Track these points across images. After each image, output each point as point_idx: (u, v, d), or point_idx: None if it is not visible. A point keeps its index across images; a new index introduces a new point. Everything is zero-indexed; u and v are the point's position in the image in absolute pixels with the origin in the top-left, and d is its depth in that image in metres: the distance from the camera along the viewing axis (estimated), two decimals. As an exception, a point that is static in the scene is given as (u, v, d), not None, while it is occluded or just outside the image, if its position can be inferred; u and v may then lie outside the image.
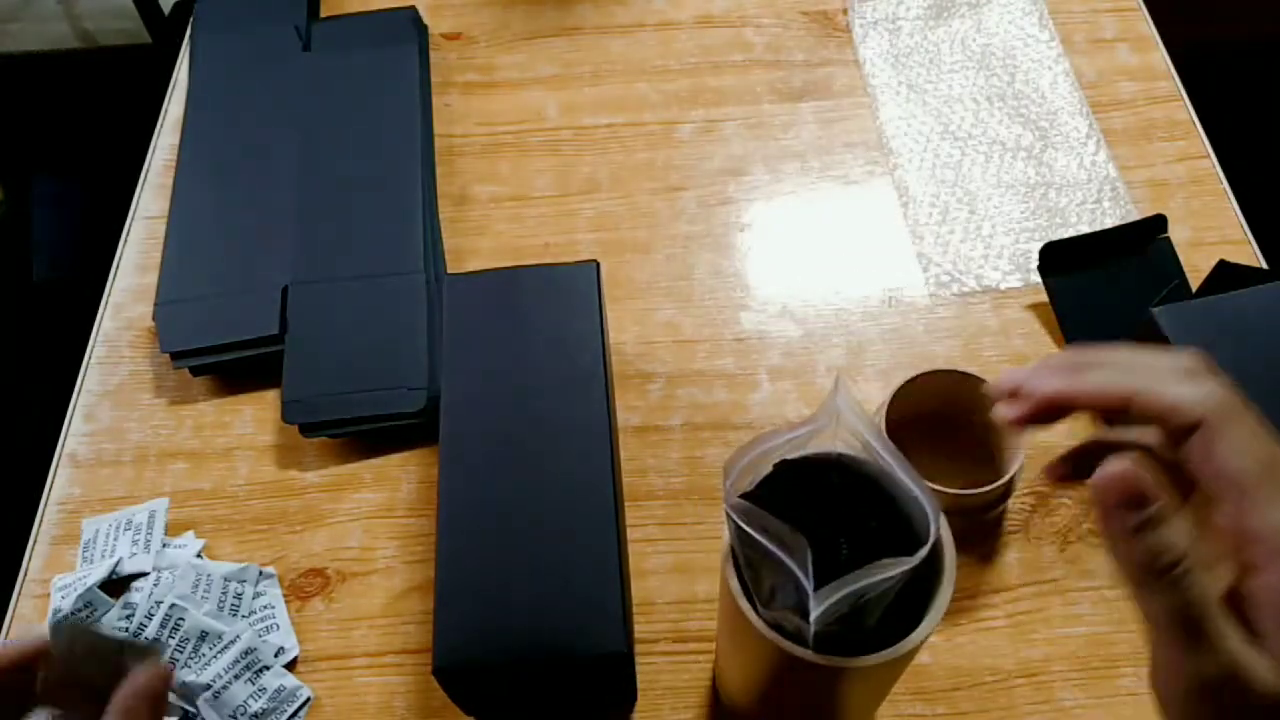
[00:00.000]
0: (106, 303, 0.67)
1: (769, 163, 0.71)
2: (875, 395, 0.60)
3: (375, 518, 0.58)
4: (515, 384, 0.51)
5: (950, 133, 0.71)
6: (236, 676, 0.51)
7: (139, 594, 0.53)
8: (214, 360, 0.62)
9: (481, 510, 0.47)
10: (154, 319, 0.63)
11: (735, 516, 0.33)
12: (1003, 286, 0.64)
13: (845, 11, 0.78)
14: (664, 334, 0.64)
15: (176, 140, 0.71)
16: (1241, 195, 0.67)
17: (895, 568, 0.31)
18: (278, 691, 0.51)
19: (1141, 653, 0.51)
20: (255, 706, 0.50)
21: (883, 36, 0.76)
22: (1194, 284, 0.61)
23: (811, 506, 0.35)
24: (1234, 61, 1.58)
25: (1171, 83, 0.73)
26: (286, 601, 0.55)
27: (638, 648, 0.52)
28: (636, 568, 0.55)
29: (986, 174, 0.69)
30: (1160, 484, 0.27)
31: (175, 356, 0.62)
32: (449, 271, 0.66)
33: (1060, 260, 0.62)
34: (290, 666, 0.53)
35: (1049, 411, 0.32)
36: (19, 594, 0.56)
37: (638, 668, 0.51)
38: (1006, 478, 0.51)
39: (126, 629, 0.52)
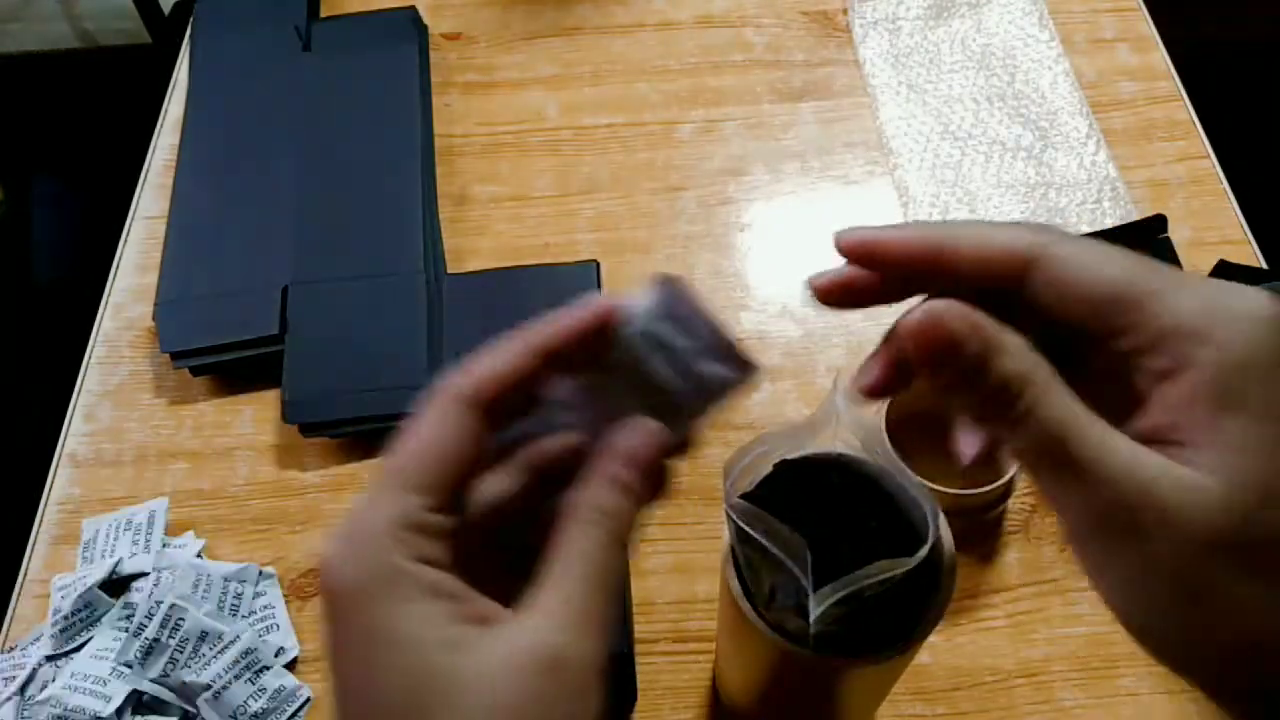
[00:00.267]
0: (106, 303, 0.67)
1: (769, 163, 0.71)
2: (875, 395, 0.59)
3: (375, 518, 0.58)
4: (515, 384, 0.51)
5: (950, 133, 0.71)
6: (236, 676, 0.51)
7: (139, 594, 0.53)
8: (214, 360, 0.62)
9: (481, 510, 0.47)
10: (154, 319, 0.63)
11: (735, 517, 0.33)
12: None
13: (845, 11, 0.78)
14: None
15: (176, 140, 0.71)
16: (1241, 195, 0.67)
17: (895, 568, 0.31)
18: (278, 691, 0.51)
19: (1141, 653, 0.51)
20: (255, 706, 0.50)
21: (883, 36, 0.76)
22: (1194, 284, 0.61)
23: (811, 506, 0.35)
24: (1234, 61, 1.58)
25: (1171, 83, 0.73)
26: (286, 601, 0.55)
27: (638, 648, 0.52)
28: (636, 568, 0.55)
29: (986, 174, 0.69)
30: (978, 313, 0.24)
31: (175, 356, 0.62)
32: (449, 271, 0.65)
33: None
34: (290, 666, 0.53)
35: (852, 285, 0.27)
36: (19, 594, 0.56)
37: (638, 668, 0.51)
38: (1006, 478, 0.51)
39: (126, 629, 0.52)
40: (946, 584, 0.34)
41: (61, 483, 0.60)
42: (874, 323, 0.63)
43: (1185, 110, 0.71)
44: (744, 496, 0.35)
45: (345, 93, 0.72)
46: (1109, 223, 0.66)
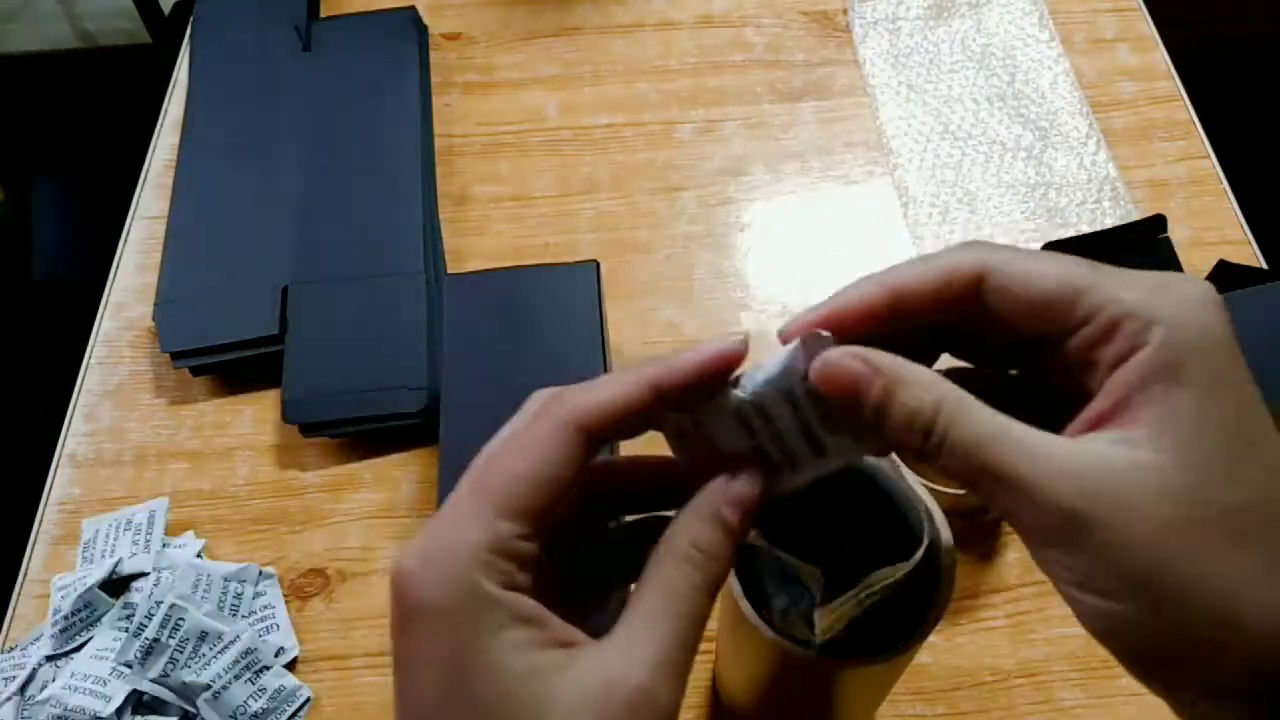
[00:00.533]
0: (106, 303, 0.67)
1: (769, 163, 0.71)
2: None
3: (375, 518, 0.58)
4: (515, 384, 0.51)
5: (950, 133, 0.71)
6: (236, 677, 0.51)
7: (139, 594, 0.53)
8: (214, 360, 0.62)
9: (481, 510, 0.47)
10: (154, 319, 0.63)
11: (752, 540, 0.33)
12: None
13: (845, 11, 0.78)
14: (664, 334, 0.64)
15: (176, 140, 0.71)
16: (1241, 195, 0.67)
17: (895, 572, 0.31)
18: (278, 691, 0.51)
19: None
20: (255, 706, 0.50)
21: (883, 36, 0.76)
22: (1194, 284, 0.61)
23: (814, 505, 0.35)
24: (1234, 61, 1.58)
25: (1171, 83, 0.73)
26: (286, 601, 0.55)
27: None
28: (636, 568, 0.55)
29: (986, 174, 0.69)
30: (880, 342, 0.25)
31: (175, 356, 0.62)
32: (449, 271, 0.65)
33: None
34: (290, 666, 0.53)
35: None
36: (19, 594, 0.56)
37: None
38: (1006, 478, 0.51)
39: (126, 629, 0.52)
40: (946, 584, 0.34)
41: (61, 483, 0.60)
42: (874, 323, 0.63)
43: (1185, 110, 0.71)
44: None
45: (345, 93, 0.72)
46: (1109, 223, 0.66)
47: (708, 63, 0.76)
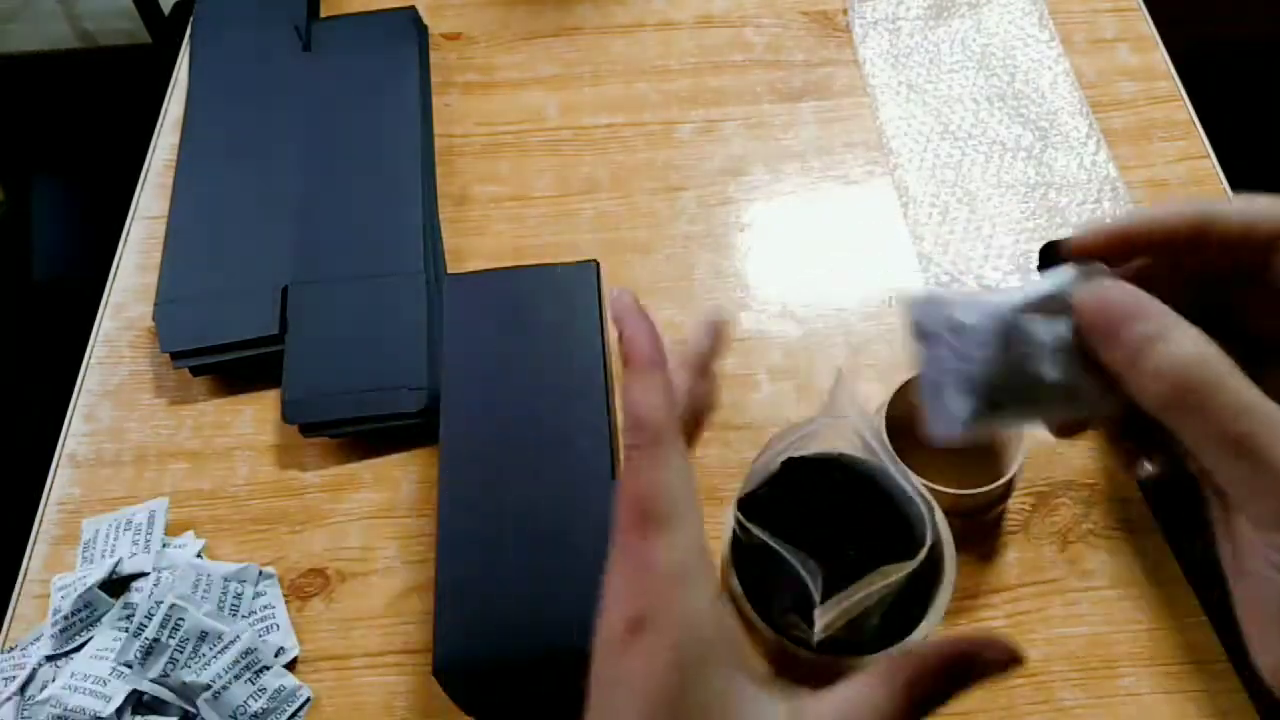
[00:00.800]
0: (106, 303, 0.67)
1: (769, 163, 0.71)
2: (875, 395, 0.59)
3: (375, 518, 0.58)
4: (515, 384, 0.51)
5: (950, 133, 0.71)
6: (236, 676, 0.51)
7: (139, 594, 0.53)
8: (214, 360, 0.62)
9: (481, 510, 0.47)
10: (154, 319, 0.63)
11: (755, 533, 0.33)
12: (1003, 286, 0.64)
13: (845, 11, 0.78)
14: (664, 334, 0.63)
15: (176, 140, 0.71)
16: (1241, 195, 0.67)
17: (896, 572, 0.31)
18: (278, 691, 0.51)
19: (1141, 653, 0.51)
20: (255, 706, 0.50)
21: (883, 36, 0.76)
22: (1194, 284, 0.61)
23: (816, 505, 0.35)
24: (1234, 61, 1.58)
25: (1171, 83, 0.73)
26: (286, 601, 0.55)
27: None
28: (636, 568, 0.55)
29: (986, 174, 0.69)
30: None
31: (175, 356, 0.62)
32: (449, 271, 0.65)
33: (1060, 260, 0.62)
34: (290, 666, 0.53)
35: (1113, 248, 0.27)
36: (19, 594, 0.56)
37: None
38: (1006, 478, 0.51)
39: (126, 629, 0.52)
40: (946, 584, 0.34)
41: (61, 483, 0.60)
42: (874, 323, 0.63)
43: (1185, 110, 0.71)
44: (751, 494, 0.35)
45: (345, 93, 0.72)
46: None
47: (708, 63, 0.76)
